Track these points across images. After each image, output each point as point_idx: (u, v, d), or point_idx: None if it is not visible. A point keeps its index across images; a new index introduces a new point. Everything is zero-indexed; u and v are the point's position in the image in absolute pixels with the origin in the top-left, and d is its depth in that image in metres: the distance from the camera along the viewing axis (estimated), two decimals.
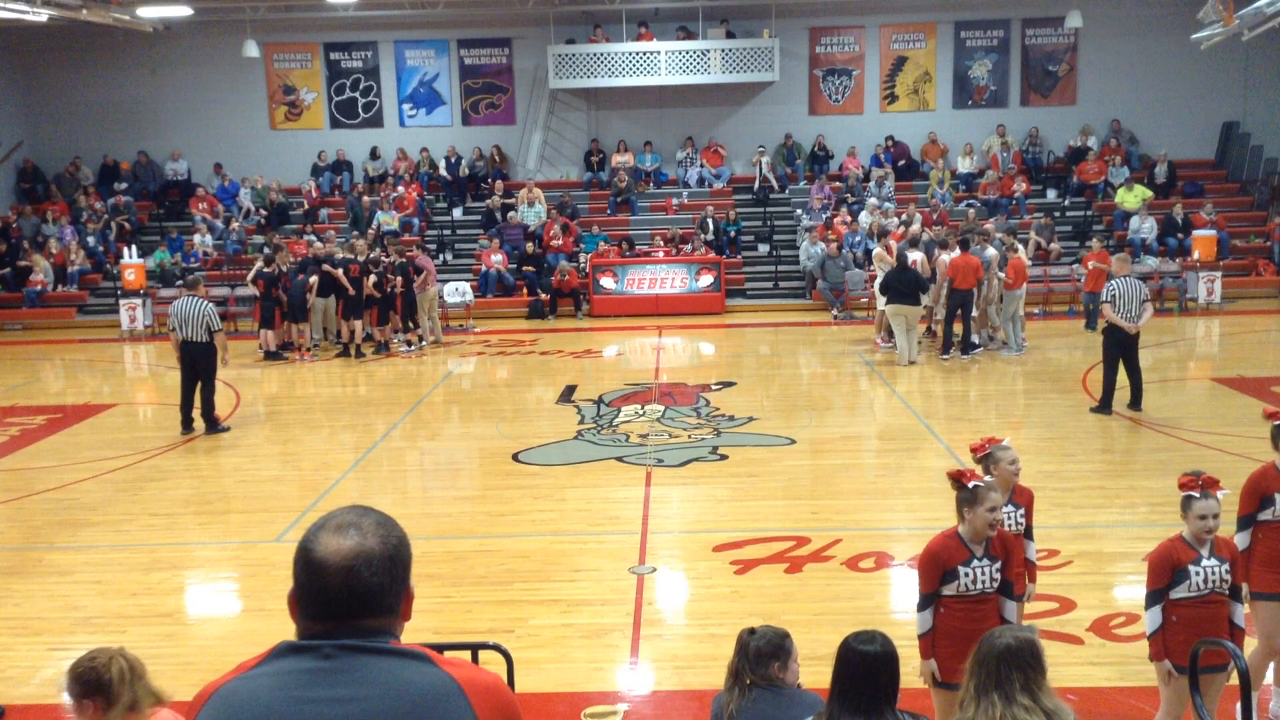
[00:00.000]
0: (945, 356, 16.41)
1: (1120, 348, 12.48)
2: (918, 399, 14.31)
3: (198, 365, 12.84)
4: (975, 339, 16.84)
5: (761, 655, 4.00)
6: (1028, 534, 5.74)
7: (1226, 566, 5.00)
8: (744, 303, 22.64)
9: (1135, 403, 12.66)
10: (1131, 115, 25.23)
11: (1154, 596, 5.04)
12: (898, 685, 3.79)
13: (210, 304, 13.13)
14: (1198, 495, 5.02)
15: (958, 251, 16.52)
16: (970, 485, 4.98)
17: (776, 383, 15.79)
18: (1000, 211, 23.10)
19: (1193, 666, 4.92)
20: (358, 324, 18.42)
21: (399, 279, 18.48)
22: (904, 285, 16.00)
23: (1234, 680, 4.94)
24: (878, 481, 10.63)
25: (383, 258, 19.06)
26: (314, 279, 18.17)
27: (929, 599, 4.96)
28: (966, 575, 4.90)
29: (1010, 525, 5.50)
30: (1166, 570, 5.02)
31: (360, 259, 18.70)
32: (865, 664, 3.73)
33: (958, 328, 16.69)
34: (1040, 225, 22.44)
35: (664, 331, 20.26)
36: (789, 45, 25.02)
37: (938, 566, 4.94)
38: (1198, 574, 4.96)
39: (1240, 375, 14.77)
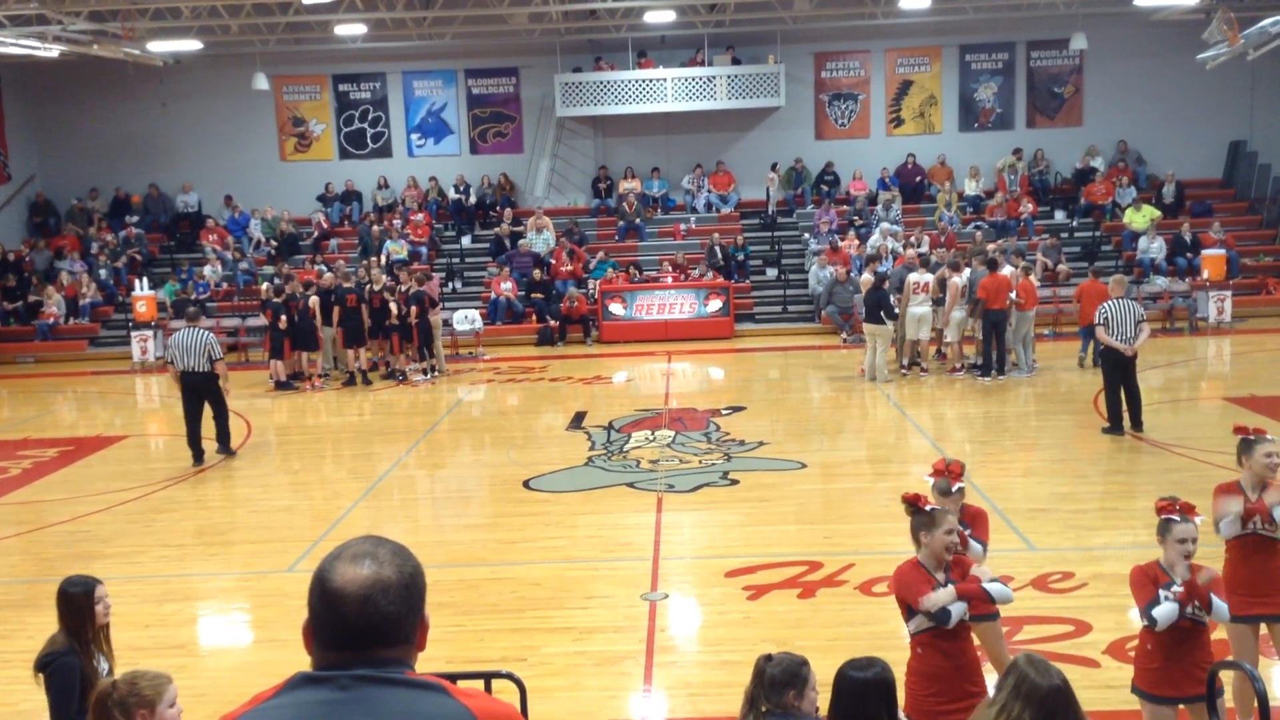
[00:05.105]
0: (986, 379, 16.32)
1: (1118, 369, 12.49)
2: (929, 421, 14.28)
3: (203, 394, 12.87)
4: (979, 360, 16.75)
5: (776, 683, 3.97)
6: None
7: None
8: (753, 327, 22.64)
9: (1135, 423, 12.64)
10: (1138, 136, 25.23)
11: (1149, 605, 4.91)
12: (894, 711, 3.77)
13: (211, 333, 13.19)
14: (1177, 519, 4.96)
15: (968, 271, 16.51)
16: (927, 509, 4.98)
17: (786, 406, 15.77)
18: (1009, 233, 23.09)
19: (1210, 689, 4.87)
20: (362, 351, 18.48)
21: (414, 308, 18.49)
22: (868, 304, 16.85)
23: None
24: (890, 505, 10.46)
25: (390, 284, 19.07)
26: (314, 301, 18.22)
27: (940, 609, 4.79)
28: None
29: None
30: (1149, 585, 4.93)
31: (376, 287, 18.74)
32: (856, 690, 3.72)
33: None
34: (1047, 246, 22.40)
35: (673, 357, 20.26)
36: (794, 70, 25.12)
37: (922, 581, 4.84)
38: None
39: (1252, 394, 14.70)
